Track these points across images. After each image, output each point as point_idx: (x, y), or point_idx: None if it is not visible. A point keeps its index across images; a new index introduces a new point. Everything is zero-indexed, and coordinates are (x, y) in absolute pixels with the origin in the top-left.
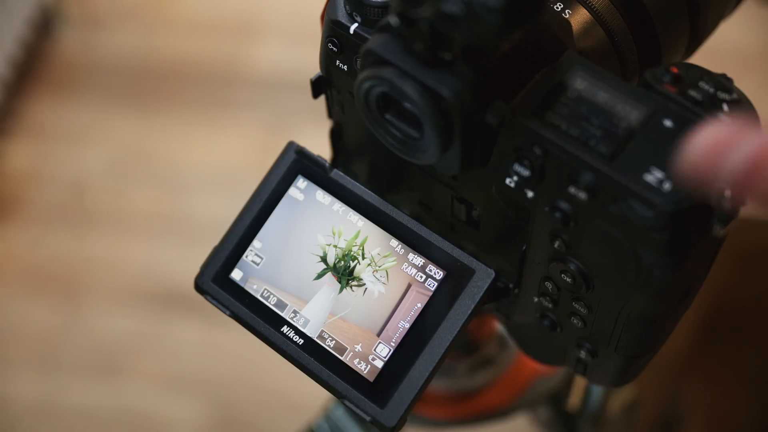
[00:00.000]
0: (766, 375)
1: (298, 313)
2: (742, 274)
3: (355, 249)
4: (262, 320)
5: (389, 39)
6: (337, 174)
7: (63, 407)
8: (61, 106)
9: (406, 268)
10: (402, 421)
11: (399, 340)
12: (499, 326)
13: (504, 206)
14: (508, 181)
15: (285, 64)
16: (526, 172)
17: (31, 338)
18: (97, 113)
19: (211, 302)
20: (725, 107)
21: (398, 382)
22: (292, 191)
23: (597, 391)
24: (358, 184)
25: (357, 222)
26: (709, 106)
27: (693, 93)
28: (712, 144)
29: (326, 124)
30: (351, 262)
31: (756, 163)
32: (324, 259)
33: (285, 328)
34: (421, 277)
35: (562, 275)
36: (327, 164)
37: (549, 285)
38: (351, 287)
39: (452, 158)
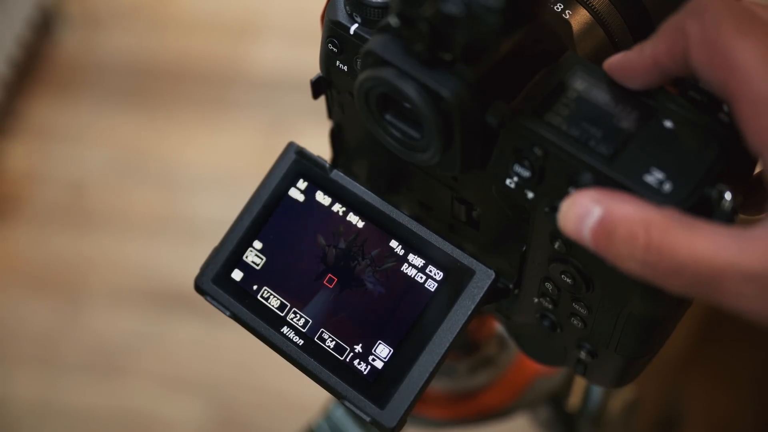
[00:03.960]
0: (766, 375)
1: (298, 313)
2: None
3: (355, 249)
4: (262, 321)
5: (389, 39)
6: (337, 174)
7: (63, 407)
8: (61, 106)
9: (406, 268)
10: (402, 422)
11: (399, 341)
12: (499, 326)
13: (504, 207)
14: (508, 181)
15: (285, 64)
16: (526, 173)
17: (31, 338)
18: (97, 113)
19: (211, 303)
20: (725, 107)
21: (398, 382)
22: (293, 192)
23: (597, 391)
24: (358, 184)
25: (357, 222)
26: (709, 107)
27: (693, 93)
28: (570, 220)
29: (326, 124)
30: (351, 262)
31: (596, 236)
32: (324, 260)
33: (285, 329)
34: (421, 277)
35: (562, 276)
36: (327, 165)
37: (549, 286)
38: (351, 288)
39: (452, 159)
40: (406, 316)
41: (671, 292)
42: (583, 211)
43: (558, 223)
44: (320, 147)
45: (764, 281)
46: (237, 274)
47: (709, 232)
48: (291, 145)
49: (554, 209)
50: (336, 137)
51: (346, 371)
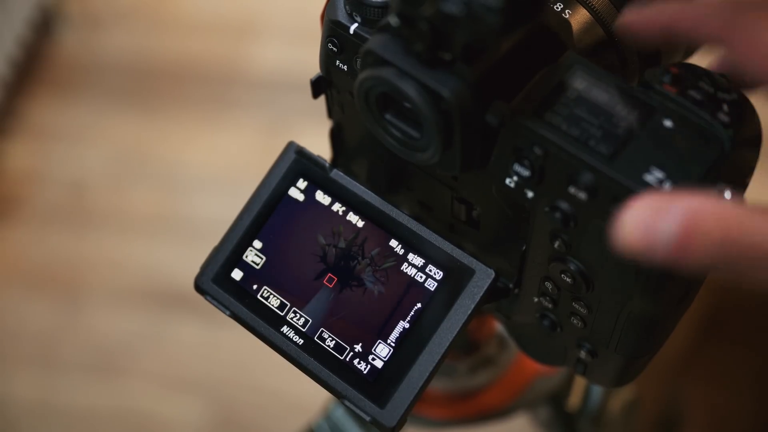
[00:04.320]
0: (766, 375)
1: (298, 313)
2: None
3: (355, 249)
4: (262, 320)
5: (389, 39)
6: (337, 174)
7: (63, 407)
8: (61, 106)
9: (406, 268)
10: (402, 421)
11: (399, 340)
12: (499, 326)
13: (504, 206)
14: (508, 181)
15: (285, 64)
16: (526, 172)
17: (31, 338)
18: (97, 113)
19: (211, 302)
20: (725, 107)
21: (398, 382)
22: (292, 191)
23: (597, 391)
24: (358, 184)
25: (357, 222)
26: (709, 106)
27: (693, 93)
28: (641, 220)
29: (326, 124)
30: (351, 262)
31: (686, 233)
32: (324, 259)
33: (285, 328)
34: (421, 277)
35: (562, 275)
36: (327, 164)
37: (549, 285)
38: (351, 287)
39: (452, 158)
40: (406, 316)
41: (746, 284)
42: (655, 220)
43: (614, 239)
44: (320, 147)
45: None
46: (237, 274)
47: None
48: (291, 145)
49: (554, 209)
50: (336, 137)
51: (346, 371)
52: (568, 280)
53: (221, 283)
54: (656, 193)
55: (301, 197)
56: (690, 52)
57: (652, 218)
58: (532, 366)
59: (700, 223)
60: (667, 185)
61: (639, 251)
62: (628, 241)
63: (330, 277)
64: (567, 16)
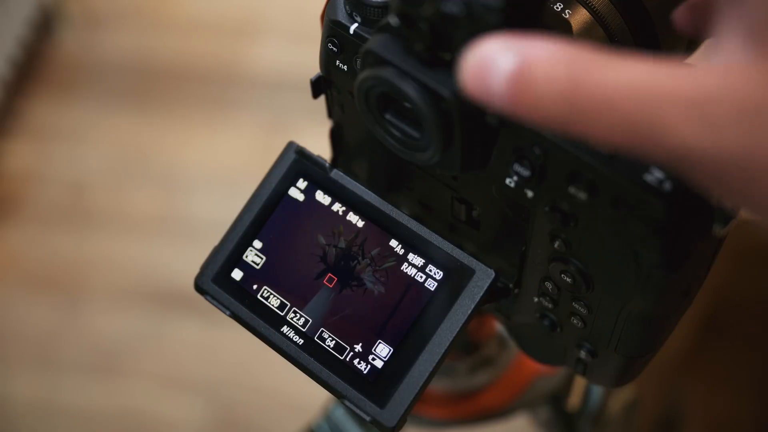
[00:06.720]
0: (766, 375)
1: (298, 312)
2: (742, 274)
3: (355, 249)
4: (262, 320)
5: (389, 39)
6: (337, 174)
7: (63, 407)
8: (61, 106)
9: (406, 268)
10: (402, 421)
11: (399, 340)
12: (499, 326)
13: (504, 206)
14: (508, 181)
15: (285, 64)
16: (526, 172)
17: (31, 338)
18: (97, 113)
19: (211, 302)
20: None
21: (398, 382)
22: (292, 191)
23: (597, 391)
24: (358, 184)
25: (357, 222)
26: None
27: None
28: (476, 67)
29: (326, 124)
30: (351, 262)
31: (516, 82)
32: (324, 259)
33: (285, 328)
34: (421, 277)
35: (562, 275)
36: (327, 164)
37: (549, 285)
38: (351, 287)
39: (452, 158)
40: (406, 316)
41: (605, 144)
42: (490, 62)
43: (458, 83)
44: (320, 147)
45: (710, 106)
46: (237, 274)
47: (643, 60)
48: (291, 145)
49: (554, 209)
50: (336, 137)
51: (346, 370)
52: (568, 280)
53: (221, 283)
54: (496, 37)
55: (301, 197)
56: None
57: (487, 62)
58: (532, 366)
59: (537, 67)
60: (667, 185)
61: (478, 98)
62: (467, 87)
63: (330, 277)
64: (567, 16)
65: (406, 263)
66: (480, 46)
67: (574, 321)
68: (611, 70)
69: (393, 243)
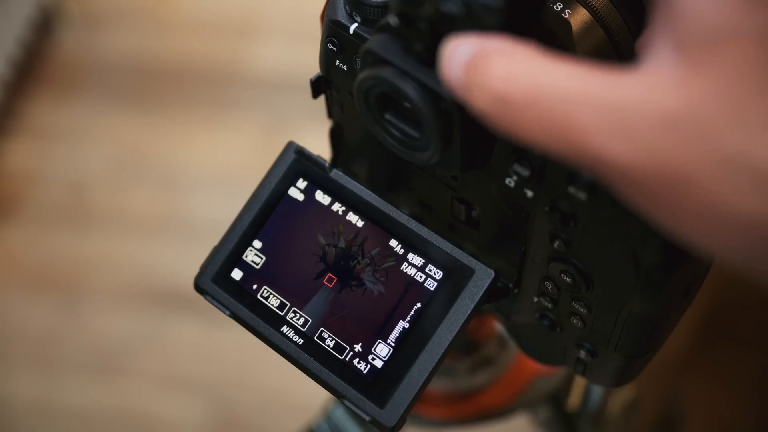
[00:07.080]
0: (766, 375)
1: (298, 312)
2: (742, 274)
3: (354, 249)
4: (262, 320)
5: (389, 39)
6: (337, 174)
7: (63, 407)
8: (61, 106)
9: (406, 267)
10: (402, 421)
11: (399, 340)
12: (499, 326)
13: (504, 206)
14: (507, 181)
15: (285, 64)
16: (525, 172)
17: (31, 338)
18: (97, 113)
19: (210, 302)
20: None
21: (398, 382)
22: (292, 191)
23: (597, 391)
24: (357, 184)
25: (357, 222)
26: None
27: None
28: (448, 52)
29: (326, 124)
30: (351, 261)
31: (467, 69)
32: (324, 259)
33: (285, 328)
34: (421, 277)
35: (562, 275)
36: (327, 164)
37: (549, 285)
38: (351, 287)
39: (452, 158)
40: (405, 316)
41: (532, 144)
42: (453, 50)
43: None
44: (320, 147)
45: (630, 115)
46: (237, 274)
47: (583, 64)
48: (290, 145)
49: (554, 208)
50: (336, 137)
51: (346, 370)
52: (568, 279)
53: (221, 282)
54: (470, 36)
55: (300, 197)
56: None
57: (450, 50)
58: (532, 366)
59: (484, 62)
60: None
61: (449, 84)
62: (444, 76)
63: (330, 276)
64: (567, 16)
65: (405, 263)
66: (452, 40)
67: (574, 321)
68: (545, 69)
69: (393, 243)
